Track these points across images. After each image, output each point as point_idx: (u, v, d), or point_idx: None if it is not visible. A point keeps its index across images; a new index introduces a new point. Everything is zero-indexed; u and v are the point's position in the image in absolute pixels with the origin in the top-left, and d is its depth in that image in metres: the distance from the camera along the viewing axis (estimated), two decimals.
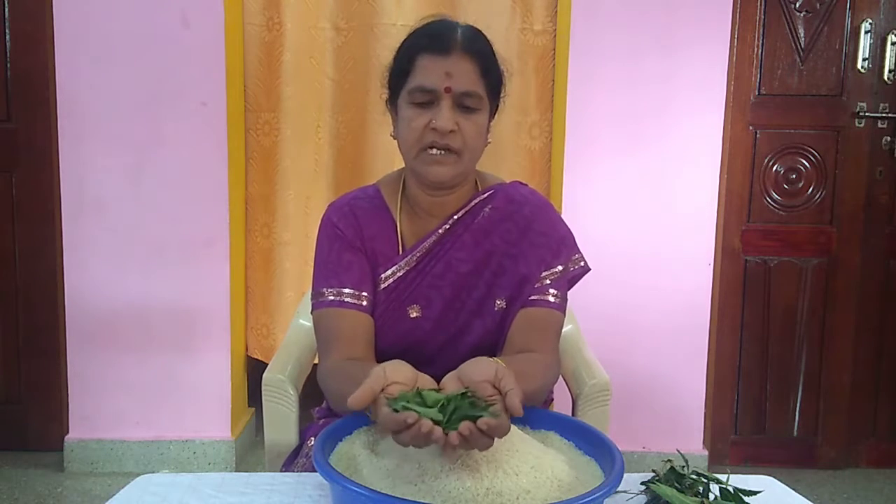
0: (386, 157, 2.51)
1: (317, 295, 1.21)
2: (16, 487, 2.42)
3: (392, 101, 1.21)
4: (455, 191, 1.23)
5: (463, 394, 0.85)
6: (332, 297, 1.19)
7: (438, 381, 0.93)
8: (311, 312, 1.22)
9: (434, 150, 1.14)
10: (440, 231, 1.22)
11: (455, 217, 1.23)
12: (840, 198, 2.59)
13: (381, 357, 1.19)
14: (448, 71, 1.11)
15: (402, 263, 1.21)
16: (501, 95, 1.21)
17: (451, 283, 1.21)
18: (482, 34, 1.19)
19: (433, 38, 1.15)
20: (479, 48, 1.15)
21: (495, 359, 0.95)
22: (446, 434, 0.78)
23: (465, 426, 0.79)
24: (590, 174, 2.47)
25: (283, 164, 2.58)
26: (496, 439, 0.83)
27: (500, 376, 0.86)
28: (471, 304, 1.21)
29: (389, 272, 1.21)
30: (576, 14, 2.41)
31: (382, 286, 1.21)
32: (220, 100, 2.41)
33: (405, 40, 1.19)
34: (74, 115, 2.41)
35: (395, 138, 1.22)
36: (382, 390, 0.85)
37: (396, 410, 0.81)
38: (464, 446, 0.80)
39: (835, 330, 2.65)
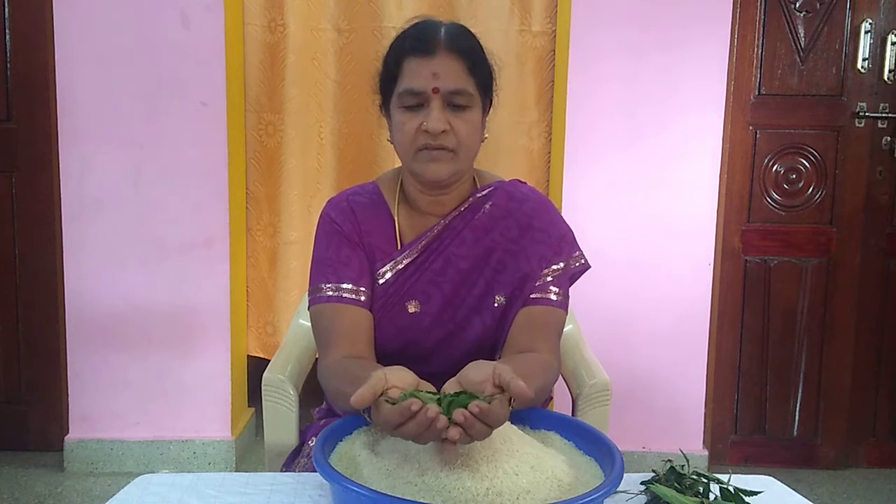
0: (388, 157, 2.52)
1: (315, 290, 1.21)
2: (16, 487, 2.42)
3: (385, 106, 1.21)
4: (453, 189, 1.23)
5: (460, 392, 0.85)
6: (330, 293, 1.19)
7: (438, 382, 0.93)
8: (309, 308, 1.22)
9: (426, 150, 1.14)
10: (439, 227, 1.22)
11: (454, 213, 1.23)
12: (840, 198, 2.59)
13: (380, 352, 1.20)
14: (435, 71, 1.11)
15: (400, 259, 1.21)
16: (493, 90, 1.21)
17: (450, 279, 1.21)
18: (467, 30, 1.19)
19: (417, 39, 1.15)
20: (463, 45, 1.15)
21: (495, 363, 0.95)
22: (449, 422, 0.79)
23: (458, 413, 0.79)
24: (590, 174, 2.47)
25: (289, 165, 2.58)
26: (496, 440, 0.83)
27: (499, 372, 0.86)
28: (470, 300, 1.21)
29: (387, 267, 1.21)
30: (576, 15, 2.41)
31: (381, 281, 1.21)
32: (220, 100, 2.41)
33: (391, 46, 1.19)
34: (74, 115, 2.41)
35: (392, 143, 1.22)
36: (382, 393, 0.85)
37: None
38: (463, 439, 0.80)
39: (835, 330, 2.65)
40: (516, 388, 0.83)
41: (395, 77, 1.15)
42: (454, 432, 0.79)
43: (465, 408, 0.80)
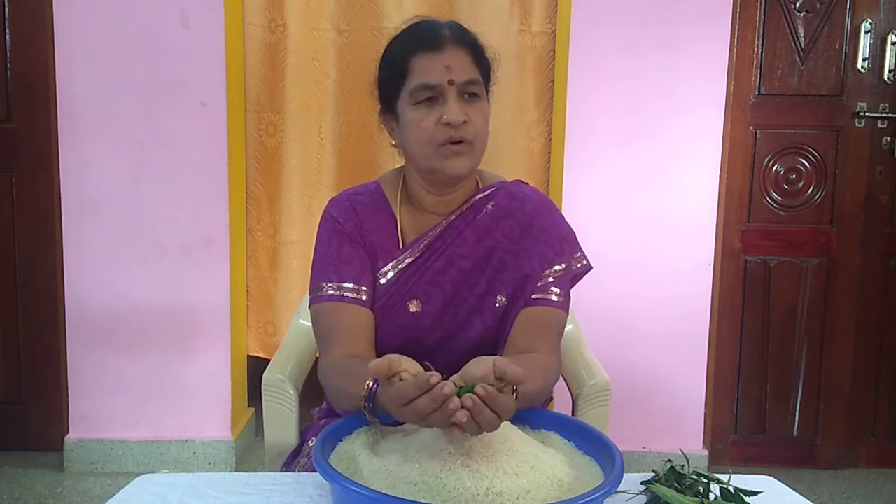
0: (388, 157, 2.52)
1: (316, 289, 1.21)
2: (16, 487, 2.42)
3: (389, 110, 1.21)
4: (458, 188, 1.23)
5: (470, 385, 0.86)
6: (331, 292, 1.19)
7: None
8: (310, 306, 1.22)
9: (449, 145, 1.14)
10: (441, 226, 1.22)
11: (456, 213, 1.23)
12: (840, 198, 2.59)
13: (381, 351, 1.20)
14: (447, 64, 1.13)
15: (401, 258, 1.22)
16: (491, 83, 1.23)
17: (451, 279, 1.21)
18: (464, 26, 1.21)
19: (423, 37, 1.16)
20: (468, 39, 1.18)
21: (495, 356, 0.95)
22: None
23: (467, 397, 0.80)
24: (590, 174, 2.47)
25: (289, 165, 2.59)
26: (496, 440, 0.84)
27: (499, 365, 0.87)
28: (472, 300, 1.21)
29: (389, 266, 1.22)
30: (575, 15, 2.41)
31: (382, 281, 1.21)
32: (220, 100, 2.41)
33: (392, 47, 1.20)
34: (74, 114, 2.41)
35: (396, 146, 1.22)
36: (395, 374, 0.86)
37: None
38: (471, 427, 0.81)
39: (835, 330, 2.65)
40: (512, 374, 0.84)
41: (404, 76, 1.15)
42: (462, 415, 0.79)
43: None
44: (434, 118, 1.13)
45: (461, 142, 1.14)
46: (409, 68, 1.14)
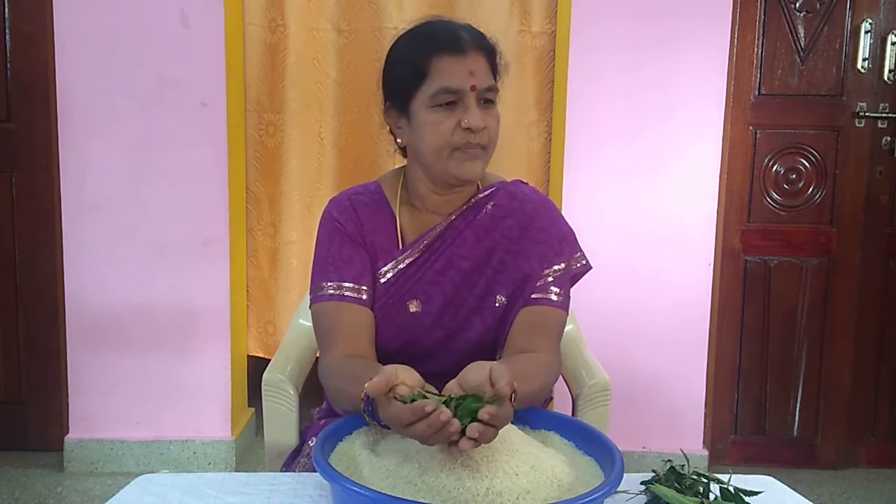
0: (388, 157, 2.51)
1: (316, 289, 1.21)
2: (16, 487, 2.42)
3: (399, 109, 1.19)
4: (460, 188, 1.23)
5: (465, 396, 0.85)
6: (331, 291, 1.19)
7: (438, 382, 0.93)
8: (310, 306, 1.22)
9: (465, 149, 1.14)
10: (441, 226, 1.22)
11: (456, 213, 1.23)
12: (840, 198, 2.59)
13: (381, 351, 1.20)
14: (470, 69, 1.13)
15: (401, 258, 1.22)
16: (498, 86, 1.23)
17: (451, 279, 1.21)
18: (478, 30, 1.21)
19: (445, 38, 1.15)
20: (486, 45, 1.18)
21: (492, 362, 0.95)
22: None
23: (472, 428, 0.80)
24: (589, 174, 2.47)
25: (289, 165, 2.59)
26: (496, 440, 0.84)
27: (493, 371, 0.86)
28: (472, 300, 1.21)
29: (389, 266, 1.22)
30: (576, 15, 2.41)
31: (382, 280, 1.21)
32: (220, 100, 2.41)
33: (406, 46, 1.18)
34: (74, 115, 2.41)
35: (399, 144, 1.21)
36: (392, 388, 0.86)
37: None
38: (474, 447, 0.81)
39: (835, 330, 2.65)
40: (500, 389, 0.83)
41: (423, 76, 1.14)
42: (466, 444, 0.80)
43: (472, 411, 0.81)
44: (453, 122, 1.13)
45: (478, 146, 1.14)
46: (430, 70, 1.13)
